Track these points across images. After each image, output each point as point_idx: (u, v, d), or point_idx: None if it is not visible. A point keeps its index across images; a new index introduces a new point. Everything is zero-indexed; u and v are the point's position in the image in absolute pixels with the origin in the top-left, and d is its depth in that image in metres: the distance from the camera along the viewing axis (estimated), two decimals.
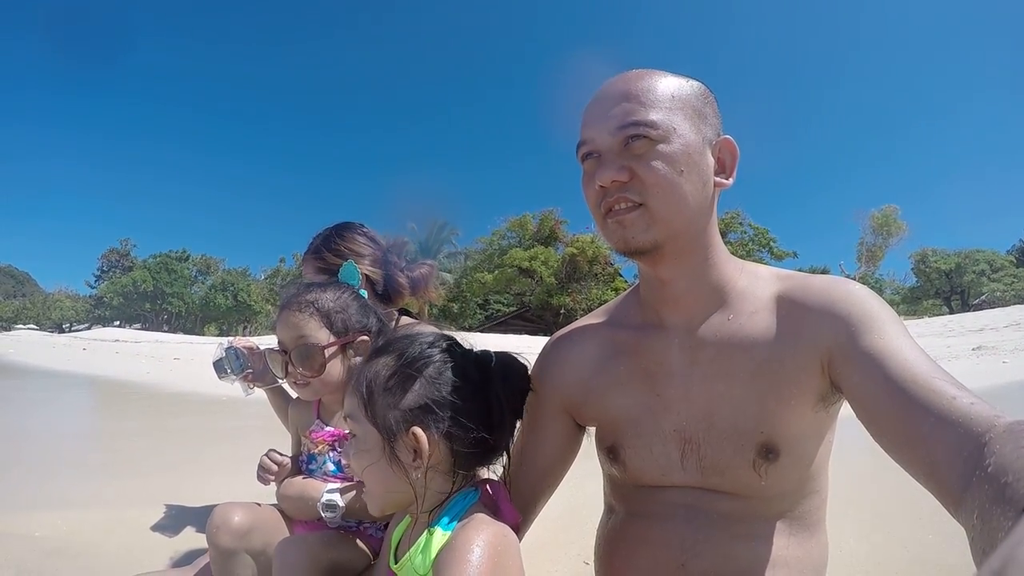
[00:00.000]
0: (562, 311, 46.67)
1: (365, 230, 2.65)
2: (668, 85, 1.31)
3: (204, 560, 2.07)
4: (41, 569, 2.79)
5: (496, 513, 1.28)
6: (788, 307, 1.35)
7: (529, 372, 1.40)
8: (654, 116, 1.27)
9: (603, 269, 48.27)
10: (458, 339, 1.41)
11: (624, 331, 1.53)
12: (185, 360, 19.53)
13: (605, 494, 1.67)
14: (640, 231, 1.30)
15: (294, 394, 2.15)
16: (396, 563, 1.33)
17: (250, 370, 2.38)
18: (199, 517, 3.40)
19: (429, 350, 1.31)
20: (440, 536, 1.20)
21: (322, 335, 1.92)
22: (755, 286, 1.42)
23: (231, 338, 2.47)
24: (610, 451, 1.51)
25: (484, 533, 1.15)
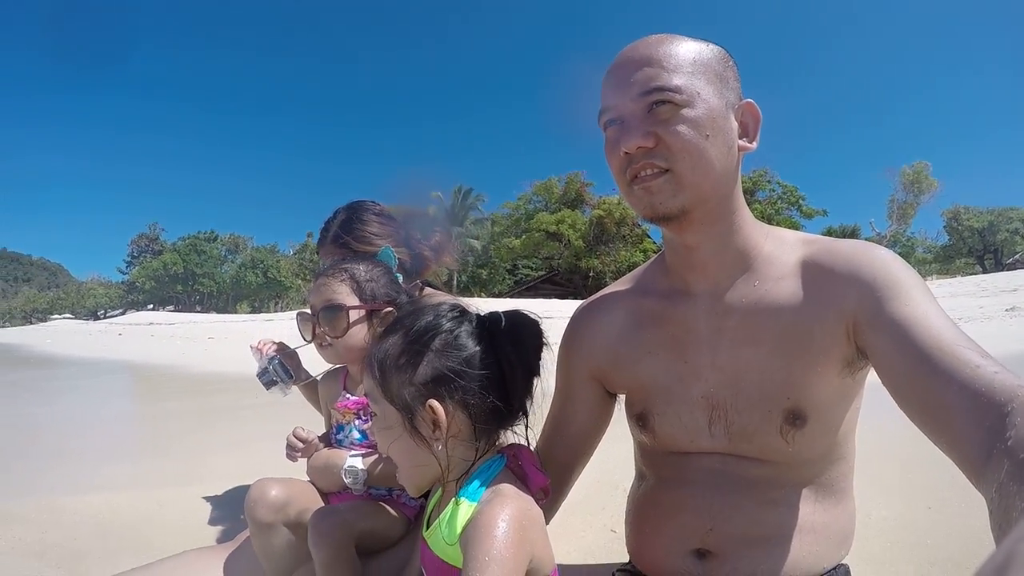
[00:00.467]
0: (591, 274, 46.53)
1: (379, 208, 2.60)
2: (689, 49, 1.28)
3: (245, 534, 2.10)
4: (91, 548, 2.84)
5: (524, 479, 1.29)
6: (814, 272, 1.34)
7: (541, 327, 1.34)
8: (678, 80, 1.24)
9: (631, 231, 47.94)
10: (464, 306, 1.40)
11: (651, 298, 1.53)
12: (219, 339, 19.76)
13: (636, 461, 1.68)
14: (667, 197, 1.29)
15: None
16: (427, 530, 1.33)
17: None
18: (239, 494, 3.44)
19: (435, 322, 1.30)
20: (466, 508, 1.20)
21: (350, 299, 1.97)
22: (781, 251, 1.40)
23: (259, 343, 2.43)
24: (639, 418, 1.51)
25: (508, 508, 1.15)
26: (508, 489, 1.22)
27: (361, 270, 2.02)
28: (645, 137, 1.25)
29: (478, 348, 1.27)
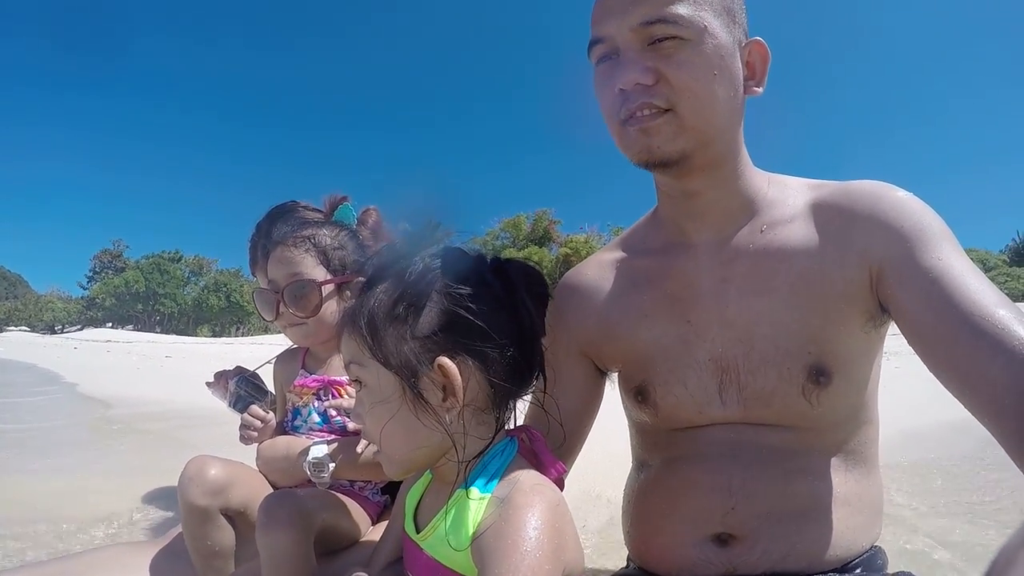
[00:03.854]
0: None
1: (302, 204, 2.29)
2: None
3: (176, 530, 1.83)
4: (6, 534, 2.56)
5: (539, 466, 1.08)
6: (829, 214, 1.23)
7: (544, 278, 1.18)
8: (683, 10, 1.12)
9: None
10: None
11: (644, 257, 1.39)
12: (176, 359, 19.40)
13: (632, 447, 1.51)
14: (666, 140, 1.16)
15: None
16: (419, 532, 1.10)
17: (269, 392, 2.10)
18: (169, 490, 3.22)
19: (435, 261, 1.06)
20: (478, 501, 0.98)
21: (318, 272, 1.77)
22: (786, 195, 1.30)
23: (214, 377, 2.21)
24: (639, 392, 1.35)
25: (538, 508, 0.93)
26: (531, 478, 1.01)
27: (325, 237, 1.82)
28: (644, 73, 1.13)
29: (490, 291, 1.05)
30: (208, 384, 2.17)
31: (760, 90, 1.25)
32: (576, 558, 1.02)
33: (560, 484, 1.09)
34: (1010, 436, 0.93)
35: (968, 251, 1.13)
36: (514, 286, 1.08)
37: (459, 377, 1.00)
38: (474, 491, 1.00)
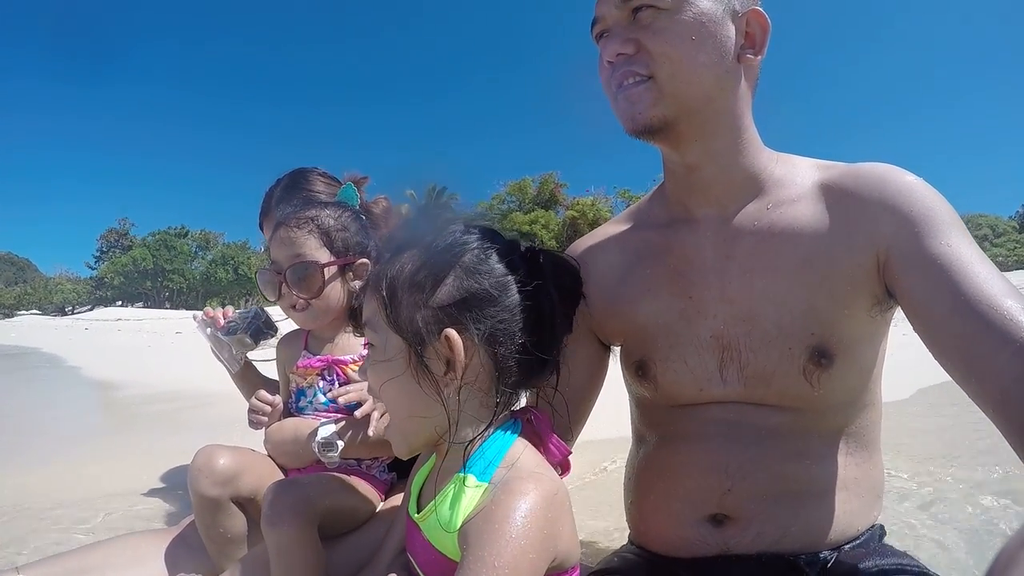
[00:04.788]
0: None
1: (322, 171, 2.41)
2: None
3: (188, 519, 1.84)
4: (22, 529, 2.54)
5: (544, 450, 1.09)
6: (836, 196, 1.22)
7: (581, 275, 1.18)
8: None
9: None
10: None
11: (649, 231, 1.40)
12: (187, 334, 19.47)
13: (633, 422, 1.51)
14: (648, 106, 1.19)
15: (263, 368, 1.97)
16: (419, 512, 1.11)
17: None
18: (180, 472, 3.24)
19: (465, 236, 1.06)
20: (473, 489, 0.99)
21: (321, 254, 1.77)
22: (794, 174, 1.29)
23: (208, 312, 2.13)
24: (639, 367, 1.35)
25: (530, 497, 0.93)
26: (528, 465, 1.01)
27: (328, 218, 1.82)
28: (624, 44, 1.18)
29: (515, 275, 1.05)
30: (195, 318, 2.11)
31: (757, 59, 1.24)
32: (571, 548, 1.02)
33: (566, 464, 1.12)
34: (1014, 426, 0.93)
35: (978, 217, 1.10)
36: (541, 274, 1.07)
37: (463, 352, 1.00)
38: (471, 479, 1.00)
